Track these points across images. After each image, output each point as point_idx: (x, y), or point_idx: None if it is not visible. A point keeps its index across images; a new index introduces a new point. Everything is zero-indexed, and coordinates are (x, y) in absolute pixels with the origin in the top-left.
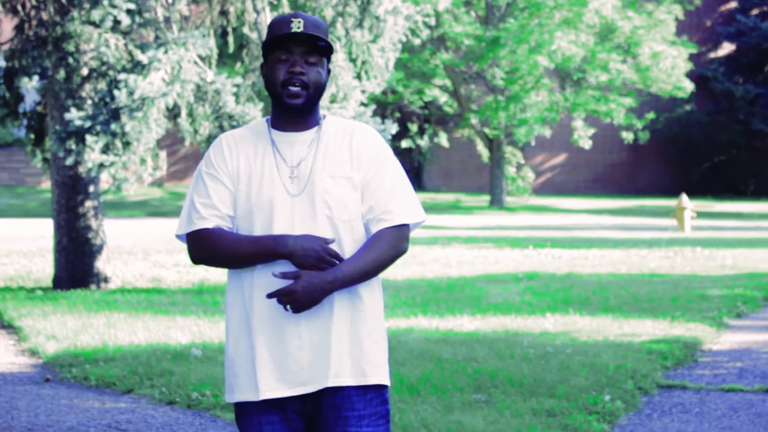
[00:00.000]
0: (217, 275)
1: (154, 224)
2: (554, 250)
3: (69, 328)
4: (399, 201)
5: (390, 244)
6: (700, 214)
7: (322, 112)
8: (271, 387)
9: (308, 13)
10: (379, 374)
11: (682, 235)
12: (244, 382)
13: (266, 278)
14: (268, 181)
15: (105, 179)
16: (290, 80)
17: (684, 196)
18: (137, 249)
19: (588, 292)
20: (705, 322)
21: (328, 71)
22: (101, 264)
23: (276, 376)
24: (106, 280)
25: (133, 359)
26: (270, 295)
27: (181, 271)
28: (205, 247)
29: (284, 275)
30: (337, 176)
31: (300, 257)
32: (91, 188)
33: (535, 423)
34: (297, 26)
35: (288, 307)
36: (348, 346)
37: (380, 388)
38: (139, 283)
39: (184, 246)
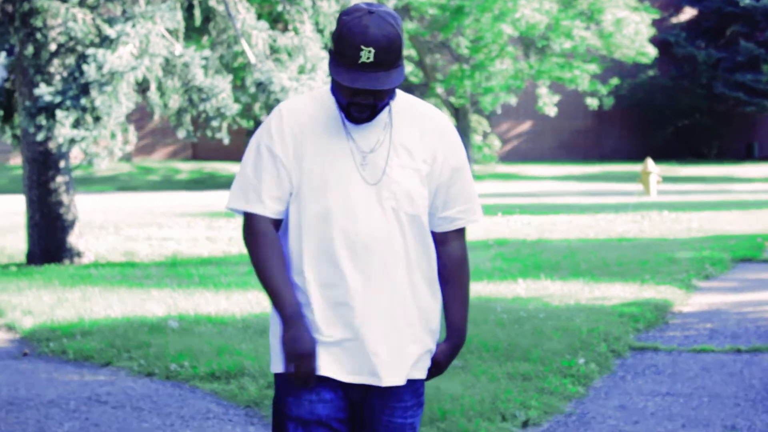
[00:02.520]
0: (190, 248)
1: (124, 198)
2: (523, 217)
3: (45, 302)
4: (474, 200)
5: (464, 259)
6: (665, 179)
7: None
8: (329, 368)
9: (386, 8)
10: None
11: (648, 199)
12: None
13: (343, 282)
14: (340, 165)
15: (75, 154)
16: (356, 103)
17: (649, 161)
18: (108, 223)
19: (558, 257)
20: (674, 284)
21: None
22: (74, 239)
23: (338, 356)
24: (79, 254)
25: (110, 332)
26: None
27: (154, 244)
28: (249, 243)
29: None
30: (407, 167)
31: (287, 355)
32: (62, 164)
33: (511, 387)
34: (367, 56)
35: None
36: (424, 334)
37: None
38: (112, 257)
39: (155, 220)
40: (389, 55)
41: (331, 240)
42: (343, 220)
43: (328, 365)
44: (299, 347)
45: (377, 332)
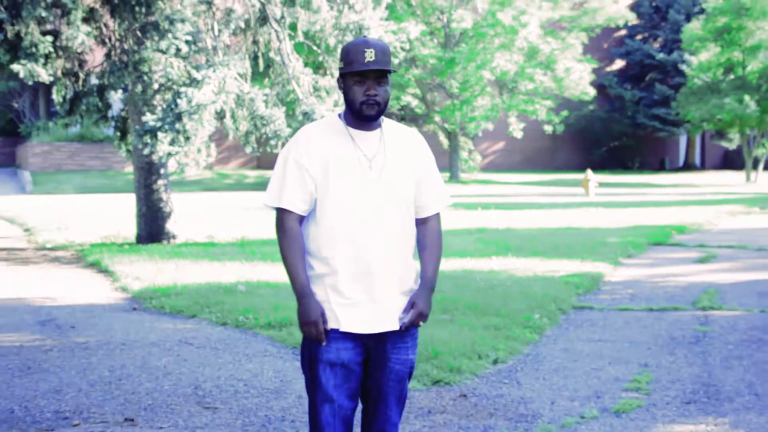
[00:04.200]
0: (255, 233)
1: (206, 197)
2: (497, 211)
3: (148, 271)
4: (441, 194)
5: (439, 233)
6: (601, 184)
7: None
8: (347, 322)
9: (374, 39)
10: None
11: (588, 199)
12: (329, 315)
13: (361, 256)
14: (350, 168)
15: (171, 164)
16: (367, 101)
17: (589, 171)
18: (195, 214)
19: (522, 241)
20: (606, 261)
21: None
22: (170, 225)
23: (356, 315)
24: (174, 237)
25: (195, 293)
26: (406, 326)
27: (229, 230)
28: (279, 235)
29: (406, 311)
30: (402, 170)
31: (300, 323)
32: (162, 171)
33: (486, 335)
34: (370, 56)
35: (421, 322)
36: (405, 298)
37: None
38: (197, 239)
39: (230, 212)
40: (386, 57)
41: (354, 226)
42: (361, 211)
43: (350, 322)
44: (308, 316)
45: (389, 292)
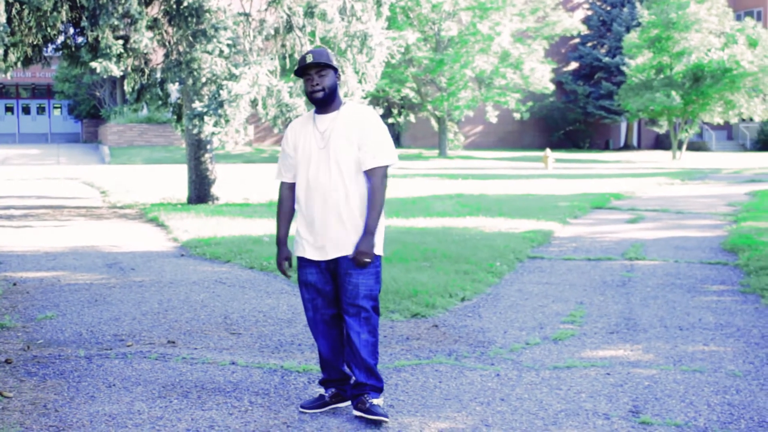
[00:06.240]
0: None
1: (245, 168)
2: (474, 181)
3: (195, 225)
4: (379, 153)
5: (379, 188)
6: (558, 160)
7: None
8: (309, 253)
9: (324, 47)
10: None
11: (547, 172)
12: (298, 247)
13: (308, 207)
14: (308, 142)
15: (215, 141)
16: (312, 89)
17: (548, 150)
18: (235, 181)
19: (491, 204)
20: (556, 220)
21: (338, 76)
22: (214, 190)
23: (313, 248)
24: (217, 199)
25: (230, 243)
26: (358, 265)
27: (260, 194)
28: (278, 198)
29: (353, 254)
30: (346, 138)
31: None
32: (208, 146)
33: (457, 278)
34: (309, 58)
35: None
36: (354, 234)
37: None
38: (235, 201)
39: (262, 180)
40: (322, 57)
41: (306, 183)
42: (311, 172)
43: (309, 252)
44: (277, 260)
45: (328, 234)
